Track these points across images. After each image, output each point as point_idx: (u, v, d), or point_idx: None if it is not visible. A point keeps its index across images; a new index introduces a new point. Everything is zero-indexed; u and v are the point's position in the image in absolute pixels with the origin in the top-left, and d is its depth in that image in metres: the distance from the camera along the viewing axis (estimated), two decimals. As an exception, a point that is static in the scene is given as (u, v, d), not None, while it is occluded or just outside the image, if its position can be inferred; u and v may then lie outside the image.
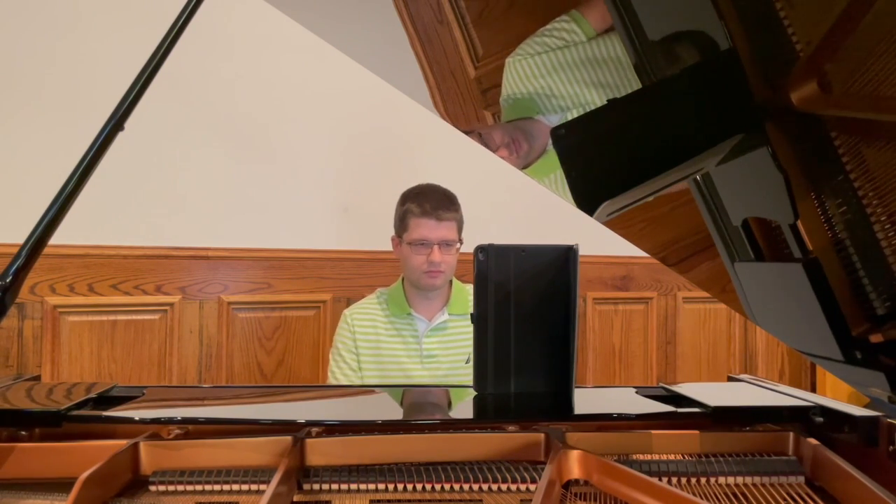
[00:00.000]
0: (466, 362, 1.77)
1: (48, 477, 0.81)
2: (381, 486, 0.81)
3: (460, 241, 1.79)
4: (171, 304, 2.08)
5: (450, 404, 1.08)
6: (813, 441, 0.86)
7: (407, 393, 1.18)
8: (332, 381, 1.82)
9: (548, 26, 1.09)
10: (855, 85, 0.69)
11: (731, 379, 1.17)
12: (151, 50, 0.99)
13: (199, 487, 0.80)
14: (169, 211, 2.10)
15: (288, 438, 0.85)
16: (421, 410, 1.05)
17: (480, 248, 0.98)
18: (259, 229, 2.21)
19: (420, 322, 1.80)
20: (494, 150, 1.24)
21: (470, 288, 1.87)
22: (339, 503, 0.80)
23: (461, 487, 0.82)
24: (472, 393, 1.00)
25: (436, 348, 1.79)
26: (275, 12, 1.29)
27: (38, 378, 1.08)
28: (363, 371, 1.78)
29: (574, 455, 0.83)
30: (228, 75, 2.15)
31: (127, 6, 1.99)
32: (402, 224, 1.78)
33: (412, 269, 1.75)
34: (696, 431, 0.90)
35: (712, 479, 0.84)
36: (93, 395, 0.94)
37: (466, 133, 1.29)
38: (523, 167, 1.31)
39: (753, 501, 0.80)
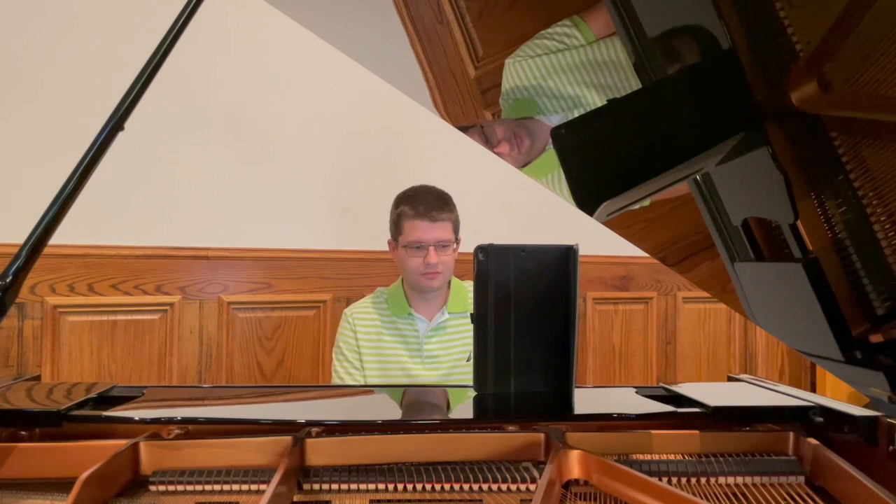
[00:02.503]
0: (468, 360, 1.77)
1: (48, 477, 0.81)
2: (381, 486, 0.81)
3: (457, 240, 1.78)
4: (171, 304, 2.08)
5: (450, 404, 1.08)
6: (813, 441, 0.86)
7: (407, 393, 1.18)
8: (336, 380, 1.81)
9: (549, 29, 1.09)
10: (855, 85, 0.69)
11: (730, 379, 1.17)
12: (151, 50, 0.99)
13: (199, 487, 0.80)
14: (169, 211, 2.10)
15: (288, 438, 0.85)
16: (421, 410, 1.05)
17: (480, 248, 0.98)
18: (259, 229, 2.21)
19: (421, 322, 1.80)
20: (495, 145, 1.23)
21: (468, 285, 1.86)
22: (339, 503, 0.80)
23: (461, 487, 0.82)
24: (472, 393, 1.00)
25: (437, 348, 1.79)
26: (275, 12, 1.29)
27: (38, 378, 1.08)
28: (365, 370, 1.78)
29: (574, 455, 0.83)
30: (228, 75, 2.15)
31: (127, 6, 1.99)
32: (396, 227, 1.76)
33: (410, 272, 1.75)
34: (696, 431, 0.90)
35: (712, 479, 0.84)
36: (93, 395, 0.94)
37: (465, 129, 1.28)
38: (522, 165, 1.30)
39: (753, 501, 0.80)
